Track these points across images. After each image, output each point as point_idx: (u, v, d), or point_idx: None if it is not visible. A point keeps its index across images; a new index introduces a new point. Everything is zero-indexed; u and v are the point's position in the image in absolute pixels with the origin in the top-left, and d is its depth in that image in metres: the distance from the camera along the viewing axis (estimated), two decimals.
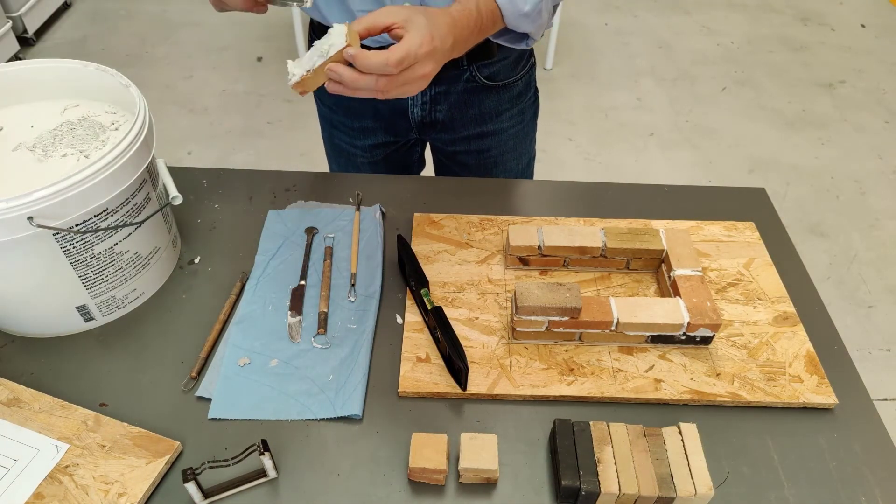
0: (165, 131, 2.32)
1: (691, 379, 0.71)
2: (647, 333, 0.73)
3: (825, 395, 0.70)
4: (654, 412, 0.69)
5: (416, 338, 0.74)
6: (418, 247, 0.84)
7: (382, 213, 0.89)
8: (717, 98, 2.63)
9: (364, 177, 0.98)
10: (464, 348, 0.70)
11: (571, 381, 0.71)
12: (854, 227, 2.07)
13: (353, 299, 0.77)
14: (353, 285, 0.79)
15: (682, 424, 0.64)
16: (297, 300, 0.77)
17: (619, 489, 0.60)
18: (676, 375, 0.71)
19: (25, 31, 2.56)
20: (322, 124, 1.11)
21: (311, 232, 0.85)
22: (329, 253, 0.83)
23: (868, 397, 0.72)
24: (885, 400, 1.62)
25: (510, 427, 0.68)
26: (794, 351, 0.74)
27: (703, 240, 0.87)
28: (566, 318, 0.71)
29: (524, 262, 0.82)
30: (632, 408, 0.70)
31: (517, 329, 0.72)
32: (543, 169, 2.21)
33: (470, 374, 0.71)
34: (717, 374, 0.72)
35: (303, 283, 0.79)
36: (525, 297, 0.70)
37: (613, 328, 0.72)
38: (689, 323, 0.71)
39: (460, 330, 0.75)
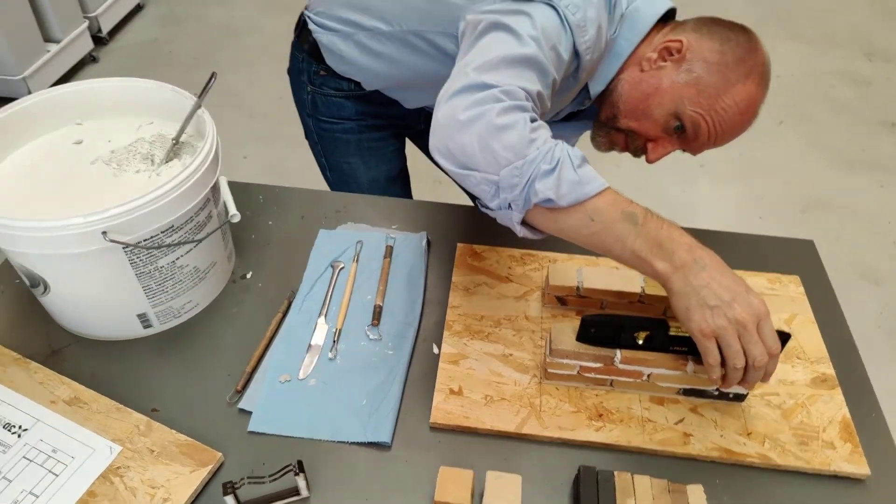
0: (224, 135, 2.39)
1: (721, 436, 0.71)
2: (680, 386, 0.73)
3: (858, 465, 0.69)
4: (681, 466, 0.70)
5: (450, 369, 0.76)
6: (459, 277, 0.87)
7: (428, 242, 0.92)
8: (774, 132, 2.57)
9: (411, 203, 1.00)
10: (497, 384, 0.72)
11: (600, 427, 0.72)
12: None
13: (372, 336, 0.79)
14: (374, 322, 0.80)
15: (688, 486, 0.64)
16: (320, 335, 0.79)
17: None
18: (706, 431, 0.72)
19: (100, 30, 2.69)
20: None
21: (336, 266, 0.87)
22: (351, 283, 0.85)
23: None
24: None
25: (535, 468, 0.69)
26: (830, 416, 0.73)
27: None
28: (598, 365, 0.72)
29: (562, 301, 0.83)
30: (658, 460, 0.70)
31: (549, 370, 0.74)
32: None
33: (499, 410, 0.72)
34: (749, 434, 0.72)
35: (321, 321, 0.80)
36: (559, 341, 0.72)
37: (645, 378, 0.73)
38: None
39: (494, 366, 0.77)
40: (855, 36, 3.16)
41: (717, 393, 0.73)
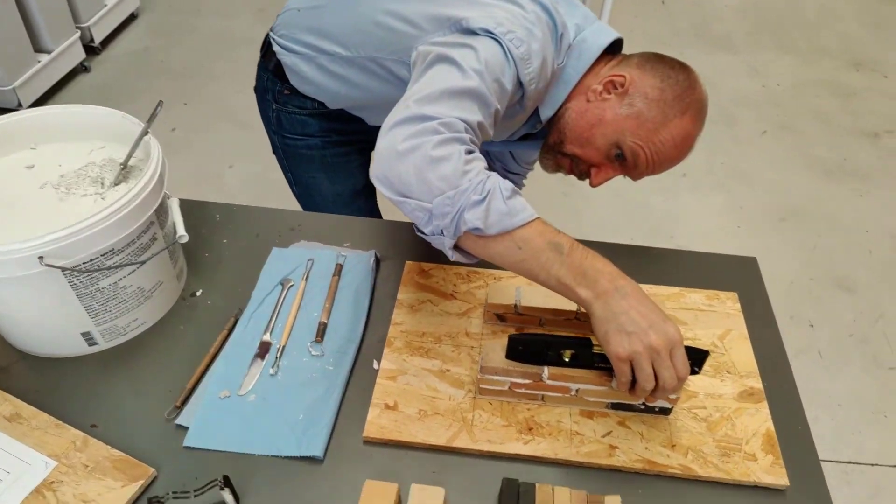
0: (212, 145, 2.44)
1: (646, 448, 0.73)
2: (607, 400, 0.75)
3: (777, 476, 0.71)
4: (606, 478, 0.72)
5: (387, 385, 0.79)
6: (404, 295, 0.89)
7: (377, 259, 0.94)
8: (756, 142, 2.59)
9: (366, 221, 1.03)
10: (432, 399, 0.75)
11: (528, 441, 0.74)
12: (884, 284, 2.01)
13: (314, 353, 0.82)
14: (318, 339, 0.82)
15: (606, 497, 0.66)
16: (263, 351, 0.81)
17: None
18: (632, 443, 0.74)
19: (92, 40, 2.74)
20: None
21: (286, 284, 0.90)
22: (299, 300, 0.87)
23: (824, 484, 0.72)
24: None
25: (465, 481, 0.71)
26: (754, 428, 0.75)
27: (683, 307, 0.89)
28: (528, 381, 0.74)
29: (501, 318, 0.86)
30: (584, 471, 0.72)
31: (482, 386, 0.76)
32: (569, 204, 2.24)
33: (432, 424, 0.75)
34: (673, 446, 0.73)
35: (266, 337, 0.82)
36: (489, 358, 0.74)
37: (574, 393, 0.75)
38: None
39: (430, 381, 0.79)
40: (843, 47, 3.18)
41: (643, 407, 0.75)
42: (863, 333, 1.88)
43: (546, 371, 0.73)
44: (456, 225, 0.68)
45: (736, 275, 0.95)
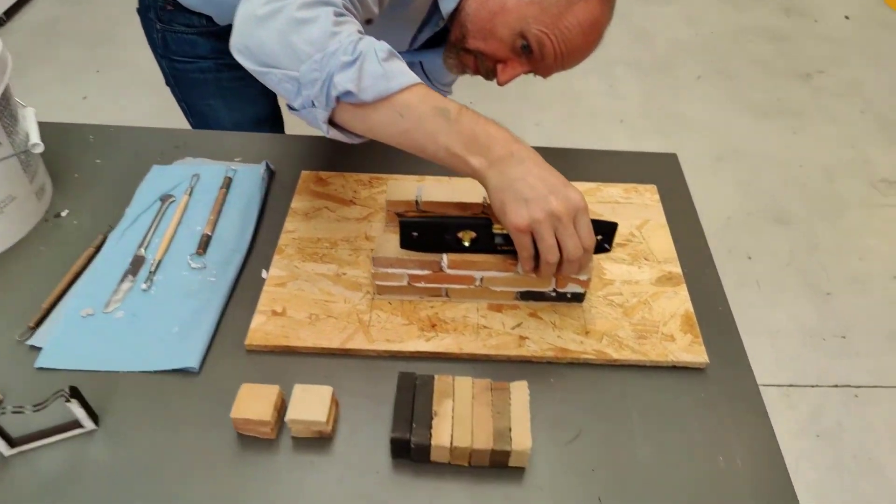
0: (128, 110, 2.30)
1: (558, 336, 0.68)
2: (515, 289, 0.69)
3: (696, 355, 0.66)
4: (516, 369, 0.66)
5: (275, 291, 0.71)
6: (299, 203, 0.81)
7: (270, 170, 0.86)
8: (692, 87, 2.58)
9: (258, 136, 0.95)
10: (325, 303, 0.67)
11: (431, 338, 0.67)
12: (819, 216, 2.02)
13: (194, 266, 0.73)
14: (199, 251, 0.75)
15: (512, 384, 0.60)
16: (136, 266, 0.73)
17: (452, 442, 0.56)
18: (544, 333, 0.68)
19: None
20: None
21: (166, 200, 0.81)
22: (180, 215, 0.79)
23: (745, 360, 0.68)
24: (836, 387, 1.58)
25: (360, 382, 0.65)
26: (672, 310, 0.70)
27: (600, 201, 0.84)
28: (426, 272, 0.68)
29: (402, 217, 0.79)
30: (493, 365, 0.66)
31: (378, 283, 0.69)
32: None
33: (324, 328, 0.68)
34: (587, 332, 0.68)
35: (140, 252, 0.74)
36: (383, 248, 0.67)
37: (478, 283, 0.69)
38: (557, 278, 0.68)
39: (324, 285, 0.72)
40: None
41: (554, 294, 0.70)
42: (799, 263, 1.88)
43: (445, 258, 0.66)
44: (327, 93, 0.60)
45: (656, 170, 0.90)
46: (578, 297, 0.70)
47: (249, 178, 0.84)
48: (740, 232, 1.96)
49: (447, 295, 0.70)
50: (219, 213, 0.80)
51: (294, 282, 0.72)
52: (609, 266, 0.75)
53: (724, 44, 2.84)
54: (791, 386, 1.59)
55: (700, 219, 0.84)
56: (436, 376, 0.61)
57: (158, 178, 0.84)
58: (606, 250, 0.66)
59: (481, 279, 0.68)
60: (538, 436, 0.60)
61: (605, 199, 0.84)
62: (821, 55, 2.77)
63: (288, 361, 0.66)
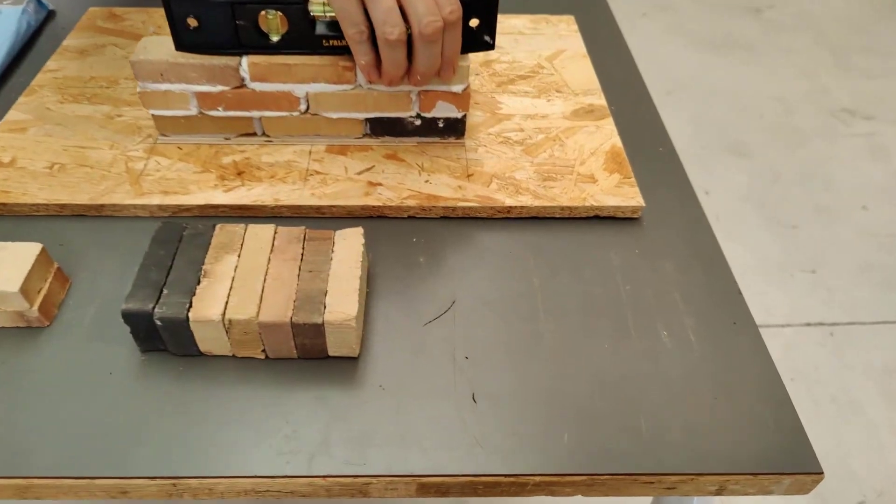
0: None
1: (426, 182, 0.46)
2: (361, 115, 0.47)
3: (625, 198, 0.45)
4: (364, 227, 0.44)
5: (7, 138, 0.48)
6: (74, 41, 0.57)
7: (43, 5, 0.62)
8: (638, 24, 2.41)
9: None
10: (80, 150, 0.44)
11: (233, 188, 0.45)
12: (778, 146, 1.86)
13: None
14: None
15: (345, 230, 0.38)
16: None
17: (224, 315, 0.34)
18: (405, 178, 0.46)
19: None
20: None
21: None
22: None
23: (697, 204, 0.48)
24: (809, 325, 1.40)
25: (112, 249, 0.42)
26: (593, 147, 0.49)
27: (497, 34, 0.62)
28: (220, 88, 0.45)
29: None
30: (329, 223, 0.44)
31: (154, 113, 0.46)
32: None
33: (71, 180, 0.44)
34: (469, 176, 0.46)
35: None
36: (149, 50, 0.44)
37: (303, 107, 0.46)
38: (420, 93, 0.46)
39: (87, 129, 0.49)
40: None
41: (420, 122, 0.48)
42: (760, 196, 1.71)
43: (245, 62, 0.44)
44: None
45: (577, 4, 0.69)
46: (455, 129, 0.48)
47: (11, 17, 0.60)
48: (695, 166, 1.78)
49: (265, 134, 0.48)
50: None
51: (40, 126, 0.49)
52: (506, 99, 0.53)
53: None
54: (760, 327, 1.41)
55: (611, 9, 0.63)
56: (218, 226, 0.39)
57: None
58: (489, 45, 0.45)
59: (306, 98, 0.46)
60: (385, 310, 0.39)
61: (504, 30, 0.62)
62: None
63: (8, 227, 0.43)
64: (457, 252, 0.43)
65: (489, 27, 0.44)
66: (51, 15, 0.63)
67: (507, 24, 0.63)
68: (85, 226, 0.43)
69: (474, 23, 0.43)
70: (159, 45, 0.45)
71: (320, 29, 0.43)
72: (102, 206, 0.43)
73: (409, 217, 0.45)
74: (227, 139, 0.48)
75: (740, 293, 0.41)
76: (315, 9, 0.42)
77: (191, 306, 0.34)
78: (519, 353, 0.37)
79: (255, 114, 0.46)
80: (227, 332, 0.35)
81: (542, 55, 0.59)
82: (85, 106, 0.51)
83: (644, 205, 0.45)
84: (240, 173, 0.46)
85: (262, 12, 0.42)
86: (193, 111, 0.46)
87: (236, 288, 0.35)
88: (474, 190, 0.45)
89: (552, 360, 0.37)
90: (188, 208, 0.44)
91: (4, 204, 0.43)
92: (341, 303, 0.35)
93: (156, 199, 0.43)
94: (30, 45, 0.59)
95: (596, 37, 0.63)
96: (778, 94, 2.06)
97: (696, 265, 0.42)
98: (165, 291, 0.35)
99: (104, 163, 0.46)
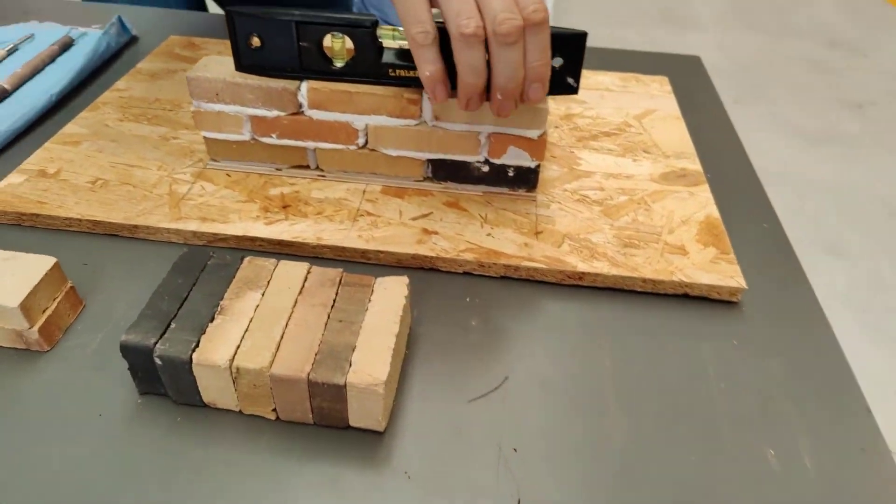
0: None
1: (488, 234, 0.40)
2: (422, 155, 0.43)
3: (722, 276, 0.38)
4: (414, 278, 0.38)
5: (58, 150, 0.46)
6: (148, 65, 0.57)
7: (126, 29, 0.62)
8: (728, 108, 2.33)
9: (151, 10, 0.72)
10: (127, 168, 0.42)
11: (273, 221, 0.41)
12: (880, 250, 1.71)
13: None
14: None
15: (388, 278, 0.33)
16: None
17: (232, 361, 0.29)
18: (463, 229, 0.41)
19: None
20: None
21: None
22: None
23: (812, 295, 0.39)
24: None
25: (137, 275, 0.38)
26: (685, 215, 0.43)
27: (582, 89, 0.57)
28: (276, 114, 0.42)
29: None
30: (375, 271, 0.39)
31: (206, 135, 0.43)
32: None
33: (110, 197, 0.42)
34: (538, 233, 0.41)
35: None
36: (207, 67, 0.42)
37: (361, 140, 0.42)
38: (490, 135, 0.41)
39: (138, 148, 0.46)
40: (816, 25, 2.98)
41: (486, 169, 0.43)
42: (858, 302, 1.56)
43: (304, 86, 0.40)
44: None
45: (671, 66, 0.64)
46: (527, 180, 0.43)
47: (96, 39, 0.61)
48: None
49: (319, 168, 0.44)
50: (35, 68, 0.56)
51: (93, 141, 0.47)
52: (586, 155, 0.48)
53: (764, 70, 2.60)
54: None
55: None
56: (246, 259, 0.34)
57: None
58: (572, 89, 0.40)
59: (365, 132, 0.42)
60: (423, 379, 0.33)
61: (589, 86, 0.57)
62: (873, 86, 2.51)
63: (36, 239, 0.40)
64: (516, 319, 0.36)
65: (574, 68, 0.39)
66: (134, 40, 0.63)
67: (594, 79, 0.58)
68: (115, 246, 0.40)
69: (557, 62, 0.38)
70: (219, 63, 0.42)
71: (387, 57, 0.39)
72: (136, 226, 0.40)
73: (465, 273, 0.39)
74: (278, 170, 0.44)
75: (869, 411, 0.32)
76: (384, 34, 0.39)
77: (197, 346, 0.29)
78: (580, 452, 0.30)
79: (310, 144, 0.43)
80: (234, 381, 0.29)
81: (630, 113, 0.53)
82: (143, 126, 0.49)
83: (745, 287, 0.37)
84: (285, 206, 0.42)
85: (329, 35, 0.39)
86: (246, 136, 0.43)
87: (252, 330, 0.30)
88: (542, 250, 0.39)
89: (621, 468, 0.29)
90: (224, 238, 0.40)
91: (37, 215, 0.40)
92: (371, 363, 0.29)
93: (192, 225, 0.40)
94: (106, 66, 0.58)
95: (692, 101, 0.57)
96: (881, 195, 1.91)
97: (811, 369, 0.34)
98: (173, 325, 0.30)
99: (148, 183, 0.43)
